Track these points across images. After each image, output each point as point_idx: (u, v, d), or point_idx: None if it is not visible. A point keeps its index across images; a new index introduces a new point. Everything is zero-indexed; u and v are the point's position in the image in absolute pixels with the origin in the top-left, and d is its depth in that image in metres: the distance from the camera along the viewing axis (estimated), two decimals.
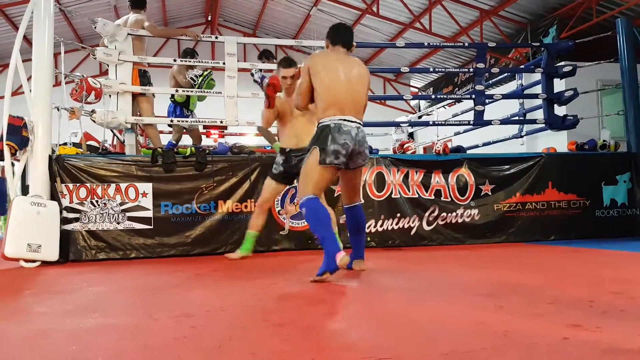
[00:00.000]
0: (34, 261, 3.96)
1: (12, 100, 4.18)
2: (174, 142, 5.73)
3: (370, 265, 3.63)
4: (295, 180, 3.96)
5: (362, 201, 3.36)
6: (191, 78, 5.23)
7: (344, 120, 2.92)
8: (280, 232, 4.77)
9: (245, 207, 4.72)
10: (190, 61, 5.26)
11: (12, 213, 3.91)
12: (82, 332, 1.79)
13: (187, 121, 5.50)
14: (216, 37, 5.54)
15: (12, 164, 4.17)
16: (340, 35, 3.13)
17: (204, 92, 5.20)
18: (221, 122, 5.22)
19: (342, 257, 2.64)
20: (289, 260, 4.08)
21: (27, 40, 6.39)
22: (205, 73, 5.25)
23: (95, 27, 4.70)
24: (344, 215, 3.35)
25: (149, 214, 4.48)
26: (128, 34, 4.73)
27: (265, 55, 5.76)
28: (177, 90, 5.33)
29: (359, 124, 3.02)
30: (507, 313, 1.91)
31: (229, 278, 3.19)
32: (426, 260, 3.99)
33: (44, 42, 4.37)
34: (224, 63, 4.99)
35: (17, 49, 4.21)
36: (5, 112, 4.05)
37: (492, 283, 2.74)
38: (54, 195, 4.25)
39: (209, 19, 13.76)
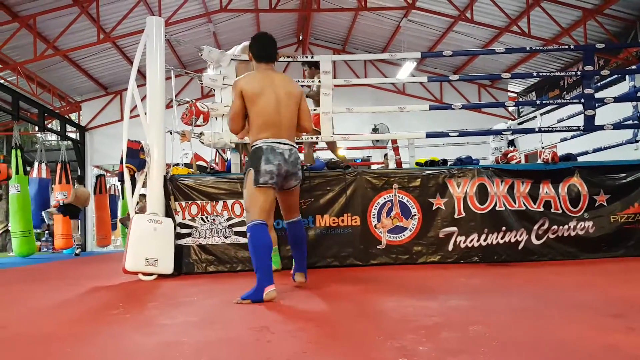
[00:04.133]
0: (151, 274, 4.27)
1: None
2: None
3: (476, 283, 3.51)
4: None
5: (300, 216, 3.33)
6: None
7: (277, 142, 2.96)
8: (378, 247, 4.74)
9: (342, 221, 4.76)
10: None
11: (131, 229, 4.26)
12: (206, 344, 1.89)
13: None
14: (312, 57, 5.68)
15: (132, 185, 4.54)
16: (266, 50, 3.11)
17: None
18: (317, 137, 5.32)
19: (269, 292, 2.70)
20: (396, 275, 4.04)
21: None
22: None
23: (201, 55, 5.02)
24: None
25: None
26: (231, 59, 5.00)
27: (309, 64, 5.60)
28: None
29: (292, 145, 3.04)
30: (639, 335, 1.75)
31: (334, 293, 3.22)
32: (538, 277, 3.76)
33: (157, 70, 4.74)
34: (319, 81, 5.11)
35: (133, 77, 4.61)
36: (124, 136, 4.43)
37: (617, 301, 2.52)
38: (169, 213, 4.58)
39: (301, 38, 14.19)
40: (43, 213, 10.47)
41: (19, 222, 9.65)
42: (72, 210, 9.93)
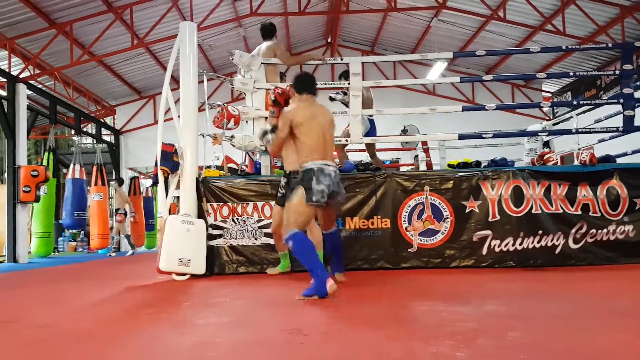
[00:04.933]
0: (184, 274, 4.33)
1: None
2: None
3: (511, 288, 3.44)
4: None
5: (336, 227, 3.71)
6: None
7: (325, 164, 3.26)
8: (409, 250, 4.69)
9: (372, 223, 4.73)
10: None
11: (165, 230, 4.33)
12: (240, 345, 1.90)
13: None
14: (341, 59, 5.67)
15: (165, 187, 4.62)
16: (306, 85, 3.50)
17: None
18: (346, 140, 5.30)
19: (331, 285, 2.89)
20: (428, 279, 3.99)
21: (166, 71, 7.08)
22: None
23: (232, 59, 5.07)
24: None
25: None
26: (262, 63, 5.03)
27: (345, 76, 5.63)
28: None
29: (336, 167, 3.37)
30: None
31: (365, 296, 3.19)
32: (576, 282, 3.66)
33: (190, 74, 4.81)
34: (349, 83, 5.09)
35: (167, 81, 4.70)
36: (159, 139, 4.51)
37: None
38: (201, 214, 4.64)
39: (329, 40, 14.19)
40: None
41: (41, 223, 9.95)
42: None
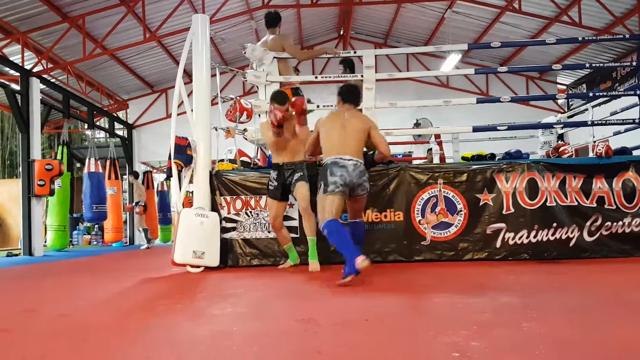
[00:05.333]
0: (198, 267, 4.36)
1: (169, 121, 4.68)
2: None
3: (526, 280, 3.43)
4: (291, 195, 4.29)
5: (362, 219, 4.00)
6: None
7: (340, 158, 3.56)
8: (422, 243, 4.68)
9: (385, 216, 4.72)
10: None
11: (180, 223, 4.37)
12: (256, 335, 1.92)
13: None
14: (354, 52, 5.63)
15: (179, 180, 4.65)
16: (350, 97, 3.83)
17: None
18: None
19: (361, 261, 3.05)
20: (442, 271, 3.98)
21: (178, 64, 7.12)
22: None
23: (244, 52, 5.07)
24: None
25: (295, 223, 4.69)
26: (274, 57, 5.02)
27: (347, 64, 5.51)
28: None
29: (357, 161, 3.59)
30: None
31: (379, 288, 3.20)
32: (591, 275, 3.63)
33: (202, 68, 4.82)
34: (362, 76, 5.08)
35: (180, 74, 4.71)
36: (172, 133, 4.54)
37: None
38: (214, 207, 4.67)
39: (342, 33, 14.14)
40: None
41: (57, 217, 10.08)
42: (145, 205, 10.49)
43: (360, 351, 1.63)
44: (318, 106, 5.37)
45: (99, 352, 1.76)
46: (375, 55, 5.26)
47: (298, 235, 4.61)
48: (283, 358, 1.58)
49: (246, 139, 5.01)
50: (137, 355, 1.72)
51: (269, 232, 4.68)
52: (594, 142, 6.34)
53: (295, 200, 4.29)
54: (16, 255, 8.70)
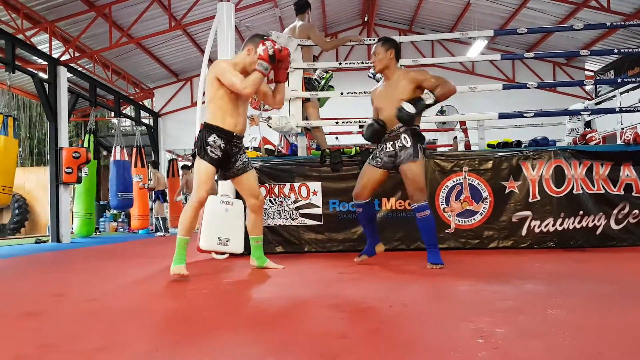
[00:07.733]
0: (223, 253, 4.43)
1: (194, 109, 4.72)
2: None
3: (552, 268, 3.39)
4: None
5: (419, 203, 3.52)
6: (315, 79, 5.13)
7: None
8: (446, 231, 4.66)
9: (409, 204, 4.69)
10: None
11: (205, 210, 4.43)
12: (283, 320, 1.96)
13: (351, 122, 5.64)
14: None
15: None
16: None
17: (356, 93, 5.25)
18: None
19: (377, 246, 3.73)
20: (466, 259, 3.97)
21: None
22: (327, 76, 5.19)
23: None
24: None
25: (318, 211, 4.73)
26: (298, 44, 5.02)
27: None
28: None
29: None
30: None
31: (403, 275, 3.21)
32: (618, 263, 3.57)
33: (227, 56, 4.84)
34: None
35: (205, 63, 4.75)
36: (197, 121, 4.60)
37: None
38: (239, 194, 4.71)
39: (366, 19, 14.01)
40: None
41: (83, 204, 10.31)
42: (162, 194, 10.63)
43: (384, 336, 1.66)
44: (342, 93, 5.35)
45: (129, 333, 1.81)
46: (400, 42, 5.20)
47: (321, 223, 4.65)
48: (309, 343, 1.61)
49: (270, 126, 5.02)
50: (167, 335, 1.77)
51: (292, 219, 4.73)
52: (622, 129, 6.20)
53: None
54: (44, 242, 8.97)
